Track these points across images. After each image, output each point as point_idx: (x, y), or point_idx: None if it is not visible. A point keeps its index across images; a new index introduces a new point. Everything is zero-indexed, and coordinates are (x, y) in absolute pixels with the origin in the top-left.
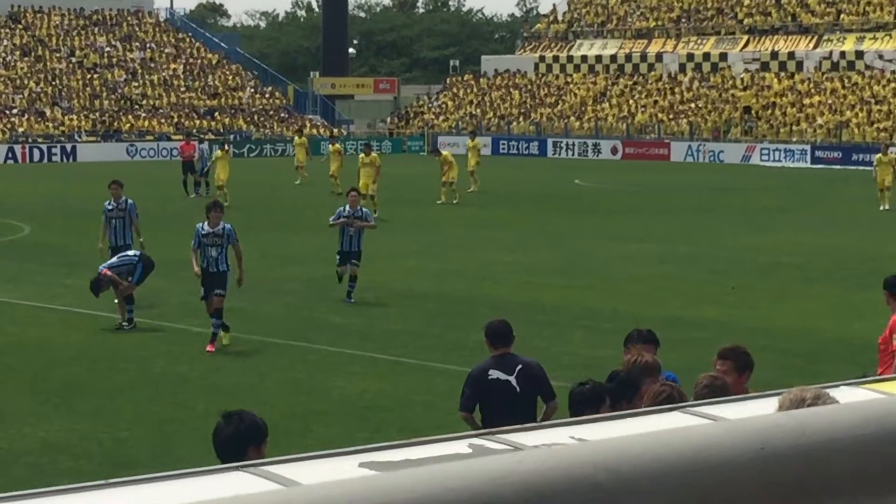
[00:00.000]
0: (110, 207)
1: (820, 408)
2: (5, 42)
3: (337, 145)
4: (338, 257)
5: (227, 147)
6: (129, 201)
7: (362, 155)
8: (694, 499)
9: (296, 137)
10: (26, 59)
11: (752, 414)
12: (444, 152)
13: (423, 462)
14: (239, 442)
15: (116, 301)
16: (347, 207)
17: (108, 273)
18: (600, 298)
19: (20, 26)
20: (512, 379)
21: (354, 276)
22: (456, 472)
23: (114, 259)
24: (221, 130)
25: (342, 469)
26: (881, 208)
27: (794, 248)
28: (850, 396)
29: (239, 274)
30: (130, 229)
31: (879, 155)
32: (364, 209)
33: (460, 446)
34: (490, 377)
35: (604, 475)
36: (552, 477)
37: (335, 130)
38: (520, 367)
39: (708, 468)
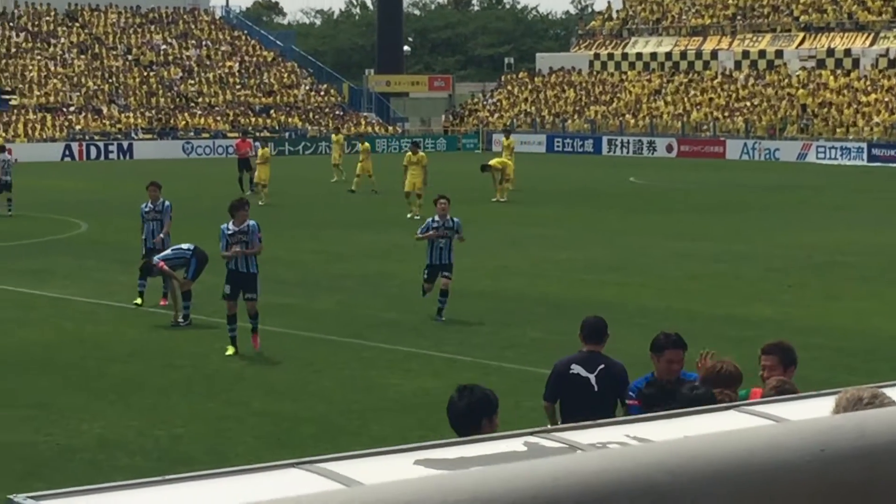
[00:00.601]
0: (147, 209)
1: (879, 409)
2: (63, 40)
3: (366, 144)
4: (425, 272)
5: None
6: (167, 203)
7: (409, 154)
8: (753, 500)
9: (333, 135)
10: (83, 56)
11: (809, 413)
12: (493, 161)
13: (478, 460)
14: (472, 413)
15: (165, 296)
16: (436, 217)
17: (164, 266)
18: (655, 296)
19: (77, 24)
20: (592, 377)
21: (446, 291)
22: (518, 472)
23: (168, 251)
24: (276, 128)
25: (398, 466)
26: None
27: (850, 246)
28: None
29: (240, 249)
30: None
31: None
32: (455, 219)
33: (515, 444)
34: (571, 371)
35: (663, 476)
36: (612, 478)
37: (390, 128)
38: (602, 366)
39: (768, 470)
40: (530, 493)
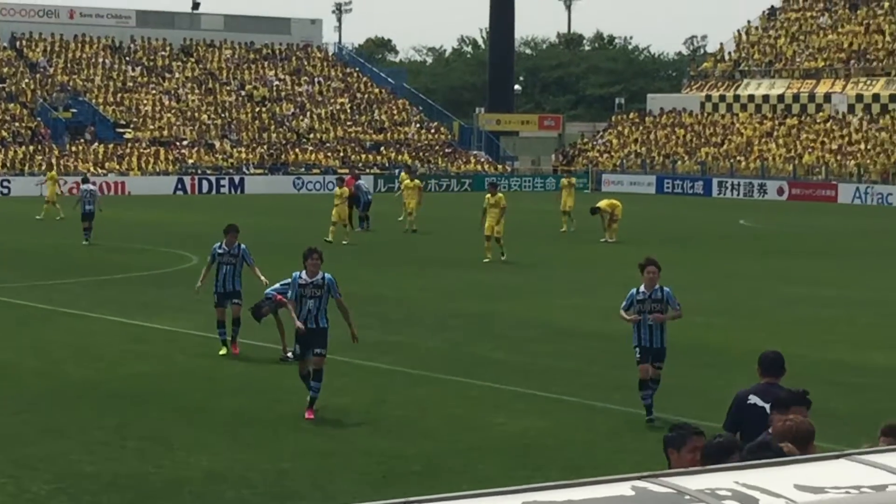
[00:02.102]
0: (221, 252)
1: None
2: (178, 75)
3: (416, 181)
4: (637, 353)
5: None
6: (243, 247)
7: (488, 195)
8: None
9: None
10: (197, 91)
11: None
12: (602, 203)
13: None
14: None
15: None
16: (642, 288)
17: (281, 298)
18: (764, 341)
19: (192, 59)
20: (767, 408)
21: (656, 380)
22: None
23: (277, 285)
24: (386, 165)
25: None
26: None
27: None
28: None
29: (351, 329)
30: (239, 276)
31: None
32: (665, 288)
33: (623, 488)
34: (749, 402)
35: None
36: None
37: (499, 167)
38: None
39: None
40: None
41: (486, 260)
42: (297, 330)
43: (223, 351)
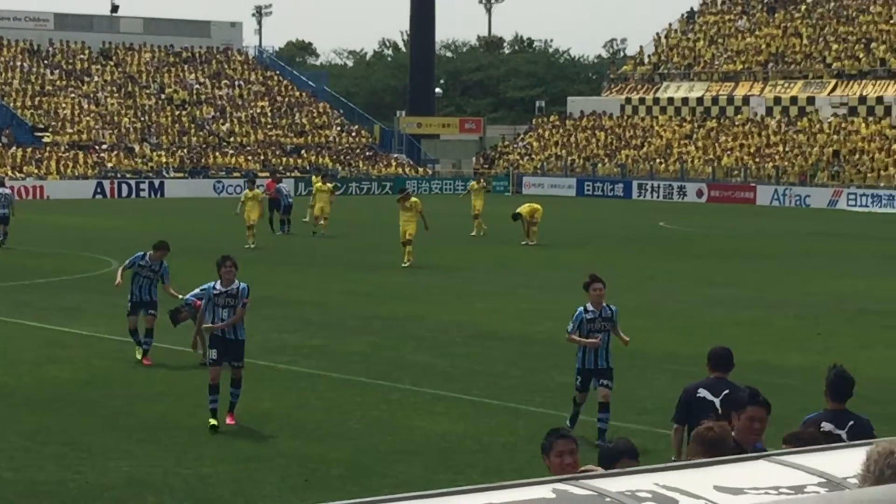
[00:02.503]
0: (143, 264)
1: None
2: (97, 78)
3: (328, 185)
4: (578, 381)
5: (254, 185)
6: (165, 265)
7: (401, 199)
8: None
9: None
10: (117, 95)
11: (839, 464)
12: (522, 208)
13: None
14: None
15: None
16: (589, 307)
17: (199, 303)
18: (685, 343)
19: (111, 63)
20: (717, 401)
21: (606, 404)
22: None
23: (196, 290)
24: (307, 168)
25: None
26: None
27: (882, 294)
28: None
29: (224, 324)
30: (156, 287)
31: None
32: (612, 307)
33: (544, 491)
34: (698, 395)
35: None
36: None
37: (420, 169)
38: (726, 391)
39: None
40: None
41: (406, 265)
42: (209, 333)
43: (139, 354)
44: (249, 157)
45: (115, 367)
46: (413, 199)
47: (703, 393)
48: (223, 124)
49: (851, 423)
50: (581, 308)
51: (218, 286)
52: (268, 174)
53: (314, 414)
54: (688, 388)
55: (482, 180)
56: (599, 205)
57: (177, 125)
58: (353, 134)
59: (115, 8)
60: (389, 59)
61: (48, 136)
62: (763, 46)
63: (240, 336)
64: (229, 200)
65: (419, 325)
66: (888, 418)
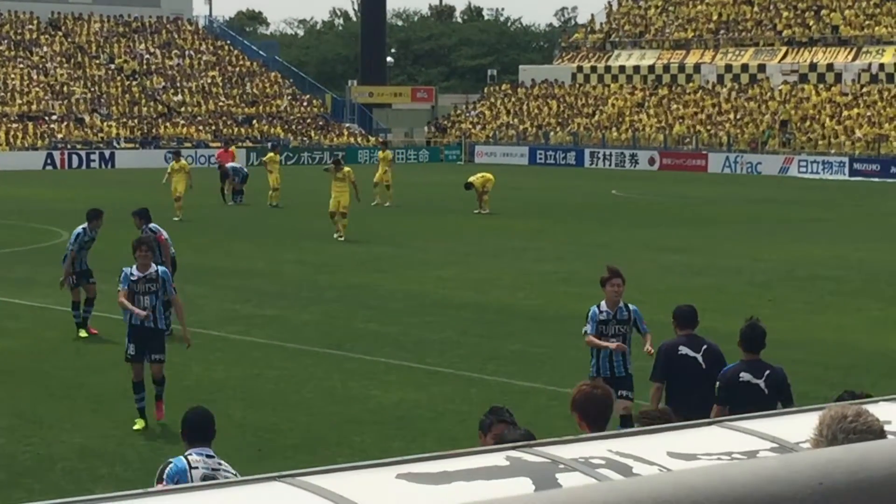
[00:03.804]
0: (87, 239)
1: (878, 441)
2: (45, 48)
3: (276, 154)
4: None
5: (180, 157)
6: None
7: (332, 167)
8: None
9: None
10: (66, 65)
11: (792, 429)
12: (475, 178)
13: (461, 475)
14: None
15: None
16: (603, 305)
17: None
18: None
19: (60, 33)
20: (699, 356)
21: (628, 416)
22: None
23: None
24: (259, 138)
25: (379, 480)
26: None
27: (831, 260)
28: (891, 413)
29: (184, 332)
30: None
31: None
32: (631, 306)
33: (498, 458)
34: (679, 352)
35: None
36: None
37: (372, 139)
38: (705, 346)
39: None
40: None
41: (340, 237)
42: (133, 320)
43: (83, 333)
44: (200, 128)
45: (66, 338)
46: (346, 168)
47: (683, 350)
48: (174, 94)
49: (767, 371)
50: (594, 307)
51: (135, 271)
52: (219, 144)
53: (267, 384)
54: (666, 345)
55: (387, 150)
56: (552, 173)
57: (127, 95)
58: (305, 103)
59: None
60: (340, 28)
61: None
62: (714, 14)
63: (160, 325)
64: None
65: (372, 295)
66: (838, 384)
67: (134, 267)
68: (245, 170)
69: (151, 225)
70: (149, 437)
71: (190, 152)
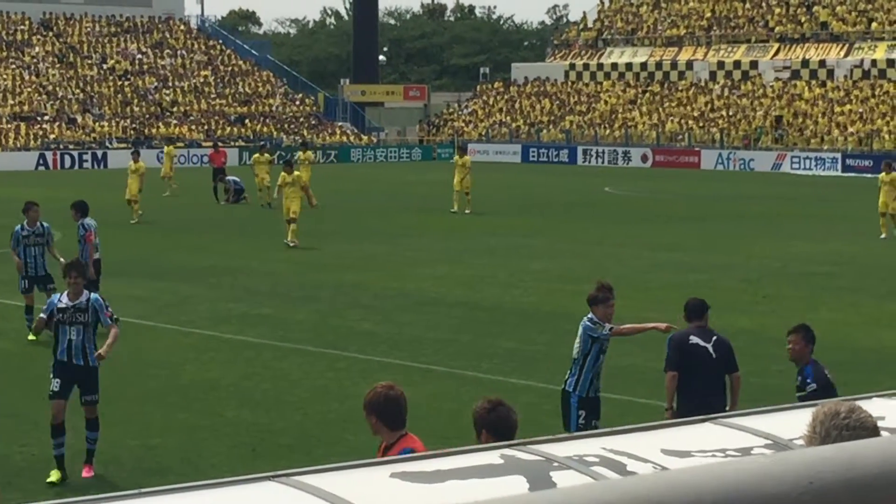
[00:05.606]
0: (25, 233)
1: (869, 440)
2: (37, 49)
3: (267, 155)
4: (581, 413)
5: (139, 158)
6: (46, 225)
7: (283, 174)
8: None
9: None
10: (58, 66)
11: (785, 426)
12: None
13: (455, 473)
14: None
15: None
16: (596, 319)
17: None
18: (630, 307)
19: (52, 33)
20: (709, 346)
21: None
22: None
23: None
24: (251, 137)
25: (373, 480)
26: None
27: (825, 256)
28: (884, 409)
29: (104, 347)
30: (46, 259)
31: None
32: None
33: (492, 457)
34: (691, 342)
35: None
36: None
37: (364, 137)
38: (715, 337)
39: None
40: None
41: (292, 244)
42: (60, 355)
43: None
44: (193, 127)
45: None
46: (297, 172)
47: (694, 339)
48: (166, 94)
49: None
50: (599, 329)
51: (64, 299)
52: (211, 144)
53: (261, 383)
54: (676, 336)
55: (308, 151)
56: (544, 171)
57: (119, 95)
58: (297, 102)
59: None
60: (332, 27)
61: None
62: (706, 11)
63: (91, 362)
64: (176, 170)
65: (365, 293)
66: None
67: (64, 294)
68: (241, 184)
69: (86, 220)
70: (143, 437)
71: (182, 152)
